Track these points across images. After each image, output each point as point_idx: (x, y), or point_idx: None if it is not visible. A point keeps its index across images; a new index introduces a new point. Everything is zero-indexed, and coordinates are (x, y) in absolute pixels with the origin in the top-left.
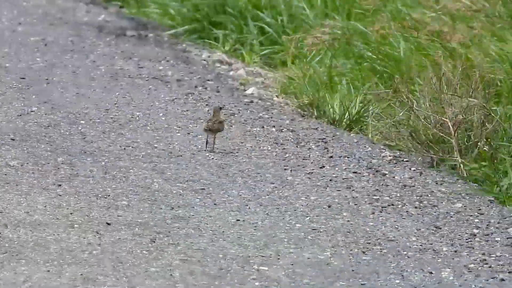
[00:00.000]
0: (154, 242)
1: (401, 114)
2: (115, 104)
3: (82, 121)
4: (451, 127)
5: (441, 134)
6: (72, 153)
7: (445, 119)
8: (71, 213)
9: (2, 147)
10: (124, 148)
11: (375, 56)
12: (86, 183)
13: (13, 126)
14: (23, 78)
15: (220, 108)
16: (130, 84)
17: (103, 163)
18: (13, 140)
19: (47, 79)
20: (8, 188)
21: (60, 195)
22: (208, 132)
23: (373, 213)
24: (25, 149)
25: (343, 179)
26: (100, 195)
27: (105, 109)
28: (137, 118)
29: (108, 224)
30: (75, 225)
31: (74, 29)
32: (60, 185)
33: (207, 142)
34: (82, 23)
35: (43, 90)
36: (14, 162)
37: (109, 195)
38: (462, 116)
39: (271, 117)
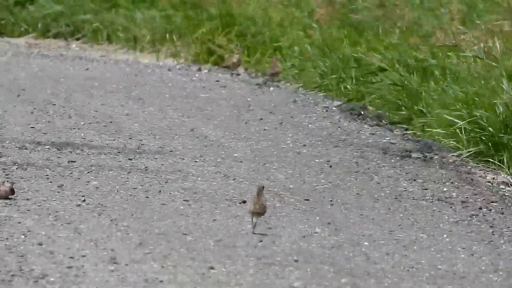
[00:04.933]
0: None
1: None
2: (399, 225)
3: (365, 243)
4: None
5: None
6: (356, 275)
7: None
8: None
9: (286, 268)
10: (408, 270)
11: None
12: None
13: (296, 247)
14: (307, 200)
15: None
16: (414, 206)
17: (386, 284)
18: (297, 261)
19: (331, 201)
20: None
21: None
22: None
23: None
24: (308, 270)
25: None
26: None
27: (389, 231)
28: (421, 239)
29: None
30: None
31: (358, 150)
32: None
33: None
34: (367, 144)
35: (327, 212)
36: (298, 283)
37: None
38: None
39: None
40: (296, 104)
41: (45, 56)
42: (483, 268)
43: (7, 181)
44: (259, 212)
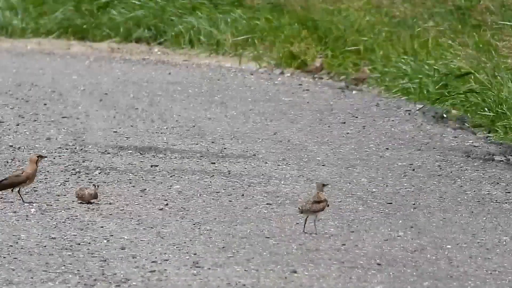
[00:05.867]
0: None
1: None
2: (482, 228)
3: (448, 246)
4: None
5: None
6: (438, 278)
7: None
8: None
9: (369, 272)
10: (491, 273)
11: None
12: None
13: (379, 251)
14: (390, 203)
15: (323, 185)
16: (497, 209)
17: (469, 287)
18: (379, 265)
19: (413, 204)
20: None
21: None
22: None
23: None
24: (391, 273)
25: None
26: None
27: (472, 234)
28: (504, 242)
29: None
30: None
31: (441, 154)
32: None
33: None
34: (449, 148)
35: (410, 215)
36: (380, 287)
37: None
38: None
39: None
40: (378, 108)
41: (127, 61)
42: None
43: (94, 186)
44: (310, 210)
